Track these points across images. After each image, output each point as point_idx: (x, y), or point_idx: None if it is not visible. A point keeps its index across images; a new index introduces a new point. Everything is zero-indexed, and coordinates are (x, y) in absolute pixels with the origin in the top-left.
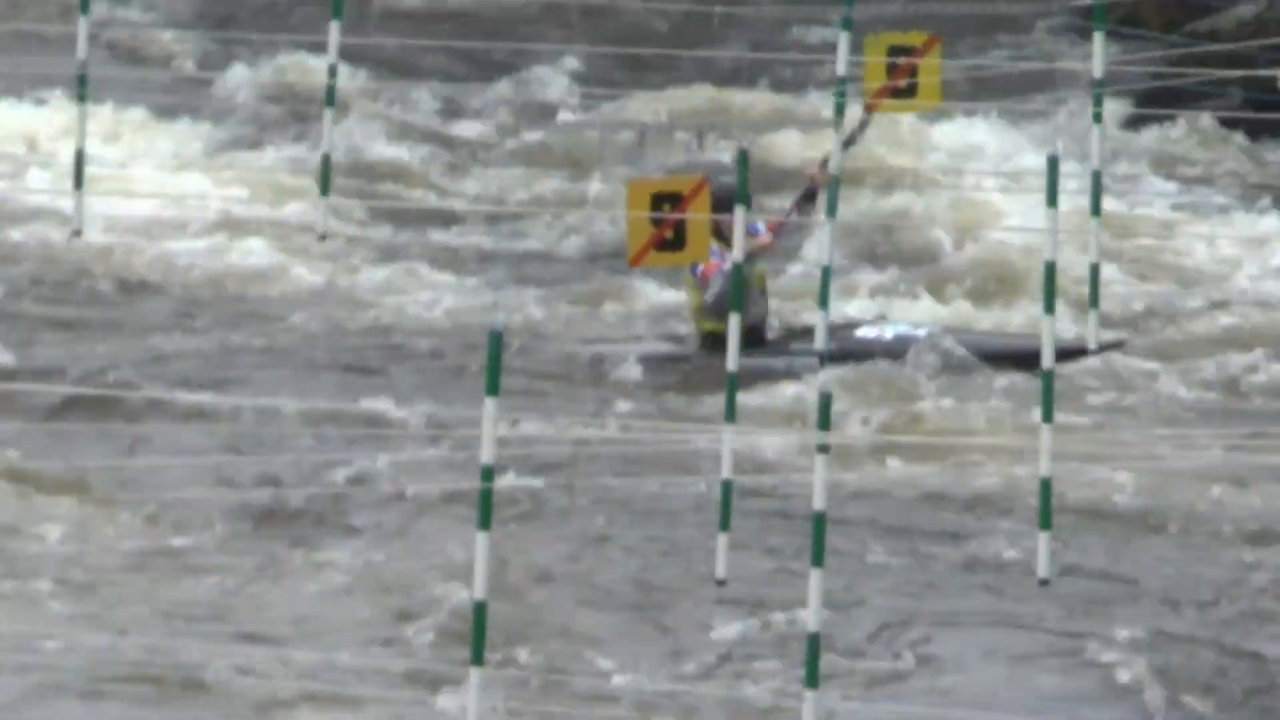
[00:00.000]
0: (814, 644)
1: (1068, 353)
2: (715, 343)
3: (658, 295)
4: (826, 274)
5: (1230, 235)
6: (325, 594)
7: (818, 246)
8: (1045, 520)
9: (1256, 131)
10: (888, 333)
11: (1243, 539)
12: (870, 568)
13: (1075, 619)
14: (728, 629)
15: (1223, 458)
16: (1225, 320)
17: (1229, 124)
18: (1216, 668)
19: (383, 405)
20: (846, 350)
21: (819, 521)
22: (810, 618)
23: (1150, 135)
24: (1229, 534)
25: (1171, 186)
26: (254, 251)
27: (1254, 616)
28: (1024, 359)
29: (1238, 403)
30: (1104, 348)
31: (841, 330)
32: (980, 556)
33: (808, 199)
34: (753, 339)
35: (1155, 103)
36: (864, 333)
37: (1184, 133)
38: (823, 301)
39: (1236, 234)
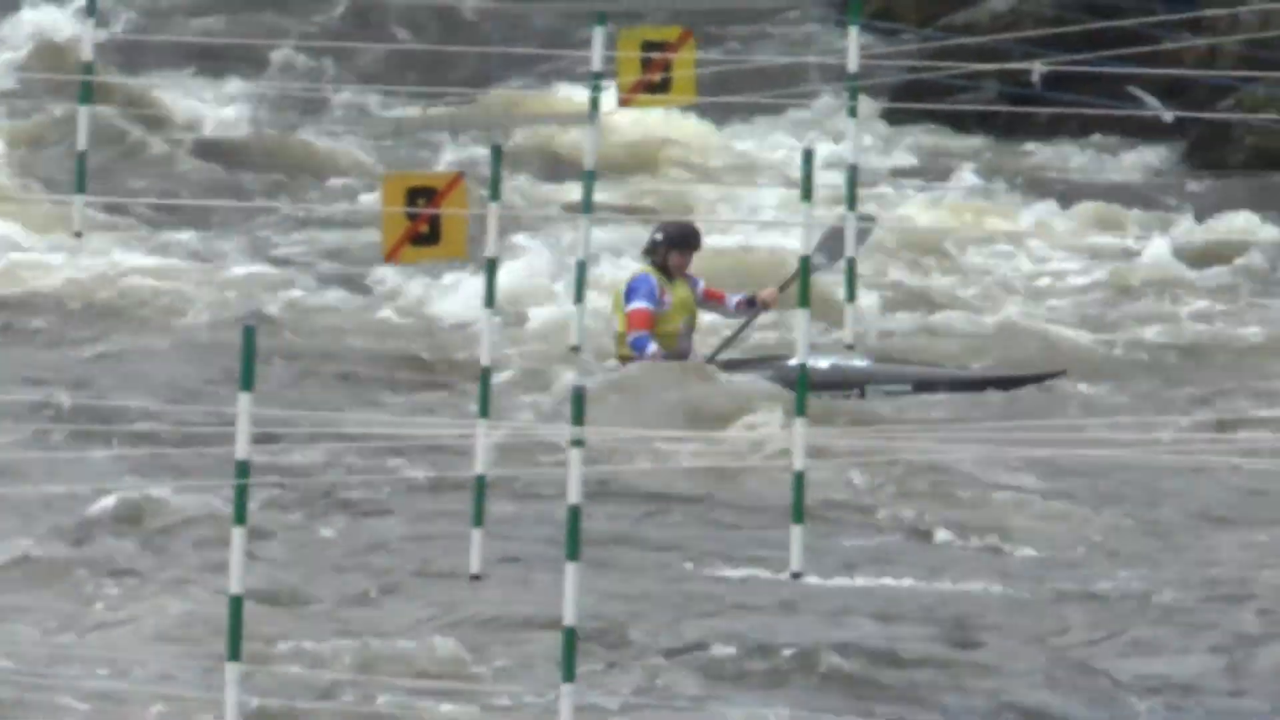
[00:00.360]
0: (569, 638)
1: (1007, 381)
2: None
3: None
4: (582, 268)
5: (993, 228)
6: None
7: (579, 241)
8: (798, 514)
9: (1013, 124)
10: (822, 362)
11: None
12: (630, 562)
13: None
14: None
15: (991, 452)
16: (992, 313)
17: (986, 117)
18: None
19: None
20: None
21: (574, 515)
22: (566, 611)
23: (907, 129)
24: (977, 534)
25: (931, 179)
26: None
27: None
28: (968, 385)
29: (1007, 399)
30: (1044, 376)
31: (774, 360)
32: (738, 550)
33: (750, 305)
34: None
35: (911, 96)
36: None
37: (941, 126)
38: (579, 297)
39: (998, 226)
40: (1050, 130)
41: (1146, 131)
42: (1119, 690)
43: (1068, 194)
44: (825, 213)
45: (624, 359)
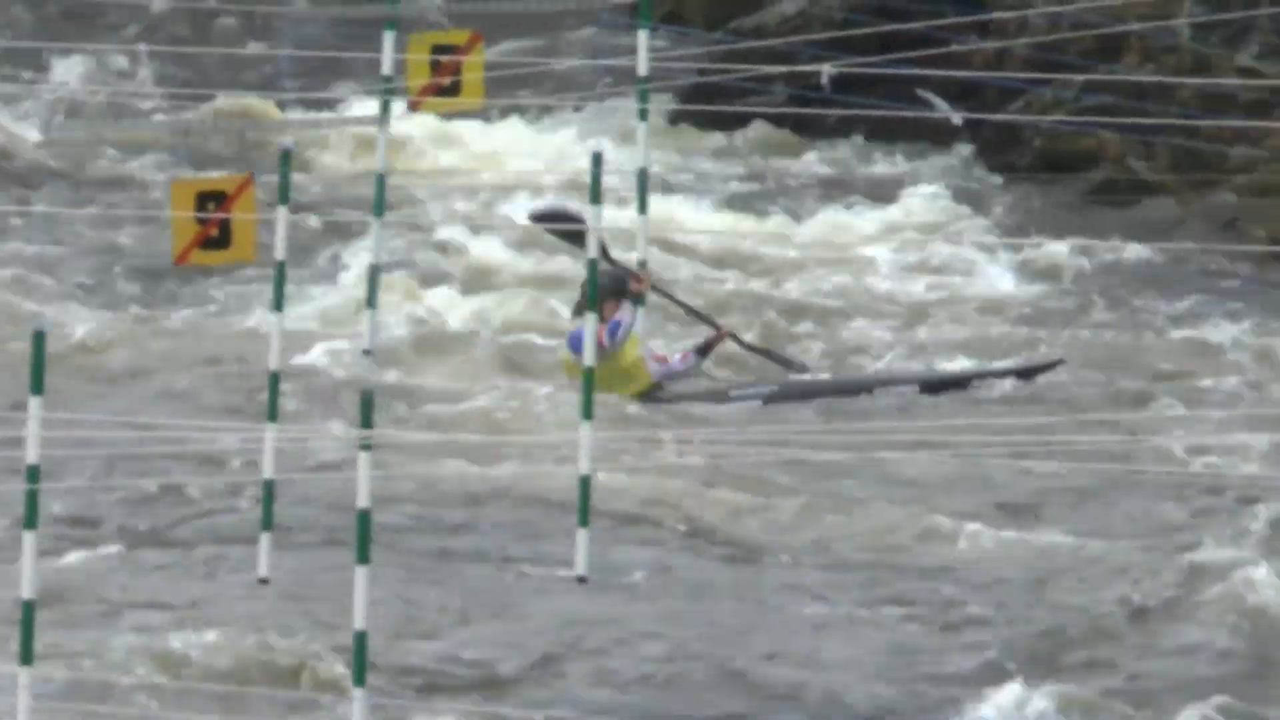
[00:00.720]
0: (360, 642)
1: (1010, 374)
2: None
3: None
4: (375, 272)
5: (779, 231)
6: None
7: (372, 244)
8: (584, 517)
9: (802, 127)
10: (822, 375)
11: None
12: (419, 565)
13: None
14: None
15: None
16: (794, 319)
17: (776, 120)
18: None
19: None
20: (801, 394)
21: (364, 519)
22: (356, 615)
23: (697, 133)
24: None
25: (724, 184)
26: None
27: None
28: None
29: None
30: (1046, 367)
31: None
32: (526, 554)
33: (705, 350)
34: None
35: (701, 99)
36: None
37: (730, 129)
38: (370, 300)
39: (785, 229)
40: (839, 133)
41: (936, 134)
42: (847, 691)
43: (857, 196)
44: (615, 214)
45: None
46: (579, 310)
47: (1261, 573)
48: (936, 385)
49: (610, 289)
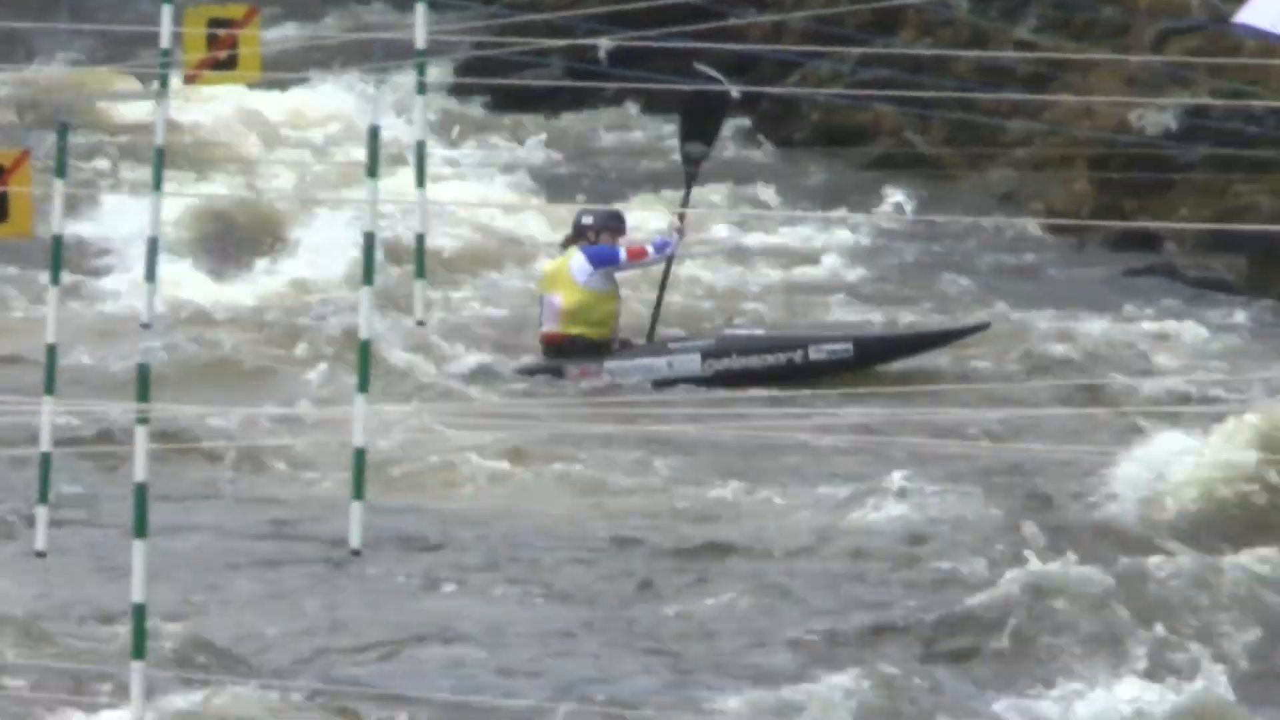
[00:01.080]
0: (139, 614)
1: (939, 337)
2: (558, 351)
3: None
4: (154, 245)
5: (558, 203)
6: None
7: (149, 220)
8: (359, 490)
9: (579, 100)
10: (757, 330)
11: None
12: (197, 541)
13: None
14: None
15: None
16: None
17: (552, 93)
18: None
19: None
20: (740, 349)
21: (140, 493)
22: (135, 588)
23: (473, 105)
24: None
25: (496, 156)
26: None
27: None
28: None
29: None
30: (972, 330)
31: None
32: (301, 527)
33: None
34: (604, 348)
35: (478, 73)
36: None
37: (507, 102)
38: (150, 274)
39: (563, 201)
40: (617, 107)
41: None
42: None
43: (633, 169)
44: (393, 186)
45: (555, 339)
46: (568, 243)
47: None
48: (872, 345)
49: (607, 224)
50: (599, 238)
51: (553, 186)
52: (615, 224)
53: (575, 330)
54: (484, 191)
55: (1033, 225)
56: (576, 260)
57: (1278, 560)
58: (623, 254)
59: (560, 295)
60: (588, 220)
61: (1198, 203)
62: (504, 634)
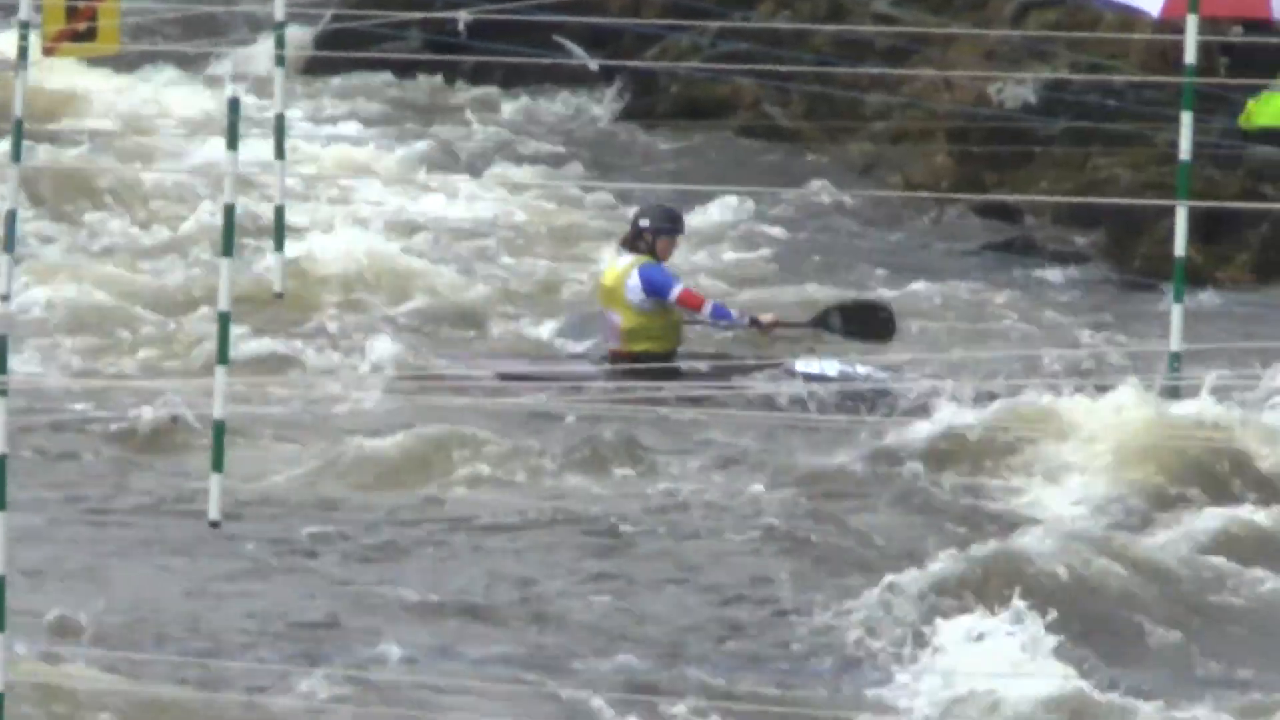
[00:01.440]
0: None
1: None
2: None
3: None
4: (13, 217)
5: (416, 177)
6: None
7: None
8: (218, 462)
9: (438, 74)
10: (830, 369)
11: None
12: (58, 513)
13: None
14: None
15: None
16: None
17: (411, 66)
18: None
19: None
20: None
21: None
22: None
23: (333, 78)
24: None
25: (362, 128)
26: None
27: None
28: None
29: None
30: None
31: (769, 368)
32: (162, 499)
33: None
34: (672, 359)
35: (337, 45)
36: (805, 367)
37: (367, 75)
38: (9, 246)
39: (422, 175)
40: (476, 80)
41: (573, 81)
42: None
43: (493, 143)
44: (251, 157)
45: (622, 356)
46: (629, 244)
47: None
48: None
49: (663, 228)
50: (656, 240)
51: (415, 159)
52: (671, 226)
53: (640, 348)
54: (343, 156)
55: (892, 198)
56: (631, 280)
57: (1126, 522)
58: (675, 294)
59: (619, 315)
60: (645, 223)
61: (1057, 176)
62: (364, 607)
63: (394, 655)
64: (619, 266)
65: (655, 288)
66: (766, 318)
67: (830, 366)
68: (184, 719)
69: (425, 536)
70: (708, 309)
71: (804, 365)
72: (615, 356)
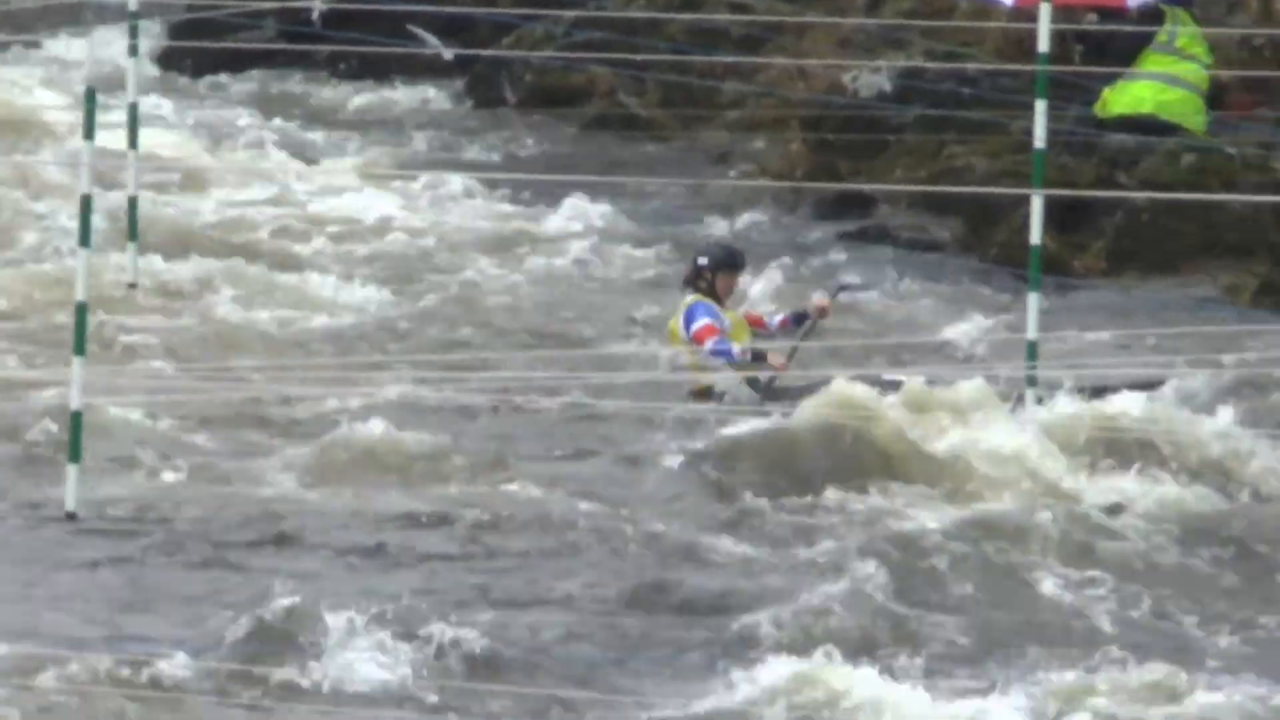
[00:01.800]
0: None
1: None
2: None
3: None
4: None
5: (269, 167)
6: None
7: None
8: (75, 453)
9: (292, 64)
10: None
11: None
12: None
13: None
14: None
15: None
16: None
17: (265, 56)
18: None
19: None
20: None
21: None
22: None
23: (186, 68)
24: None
25: (215, 118)
26: None
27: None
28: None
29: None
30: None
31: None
32: (10, 488)
33: (800, 319)
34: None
35: (191, 35)
36: (892, 375)
37: (221, 65)
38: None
39: (275, 165)
40: (330, 70)
41: (427, 70)
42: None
43: (346, 132)
44: (106, 148)
45: (701, 394)
46: (690, 282)
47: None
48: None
49: (722, 265)
50: (716, 277)
51: (269, 149)
52: (731, 262)
53: (709, 383)
54: (196, 148)
55: (747, 187)
56: (683, 318)
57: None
58: (692, 331)
59: (682, 354)
60: (703, 261)
61: (912, 164)
62: (217, 596)
63: (251, 647)
64: (680, 306)
65: (688, 322)
66: (776, 359)
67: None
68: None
69: (287, 530)
70: (711, 345)
71: (891, 374)
72: (696, 395)
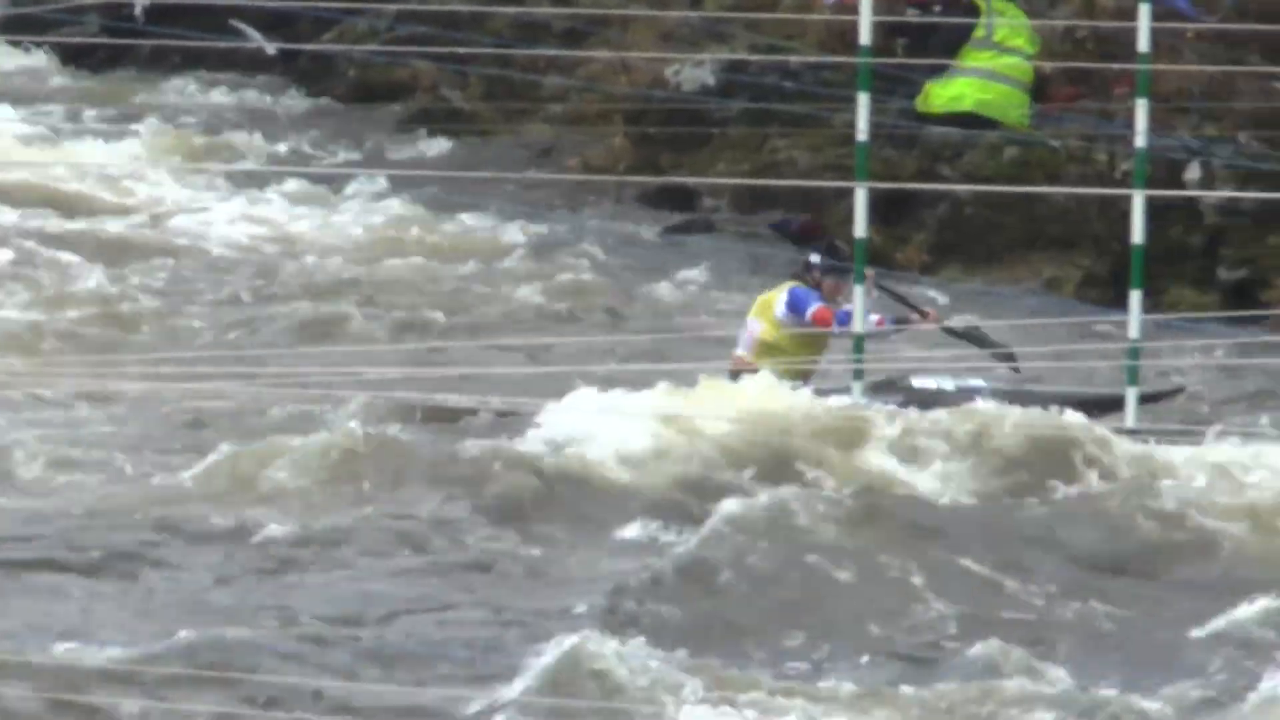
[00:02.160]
0: None
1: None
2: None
3: None
4: None
5: (94, 161)
6: None
7: None
8: None
9: (115, 59)
10: (948, 384)
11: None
12: None
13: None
14: None
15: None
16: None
17: (88, 51)
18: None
19: None
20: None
21: None
22: None
23: (11, 62)
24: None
25: (35, 113)
26: None
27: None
28: (1101, 404)
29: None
30: (1161, 395)
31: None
32: None
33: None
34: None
35: (18, 30)
36: (922, 383)
37: (45, 60)
38: None
39: (99, 159)
40: (153, 65)
41: (249, 65)
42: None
43: (167, 128)
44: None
45: (743, 366)
46: (798, 276)
47: None
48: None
49: (830, 271)
50: (824, 279)
51: (91, 145)
52: (842, 268)
53: (764, 363)
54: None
55: (569, 181)
56: (782, 296)
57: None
58: (811, 313)
59: (763, 325)
60: (815, 259)
61: (735, 158)
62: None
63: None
64: (781, 287)
65: (796, 307)
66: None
67: (946, 381)
68: None
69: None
70: (837, 321)
71: (921, 381)
72: (737, 367)
